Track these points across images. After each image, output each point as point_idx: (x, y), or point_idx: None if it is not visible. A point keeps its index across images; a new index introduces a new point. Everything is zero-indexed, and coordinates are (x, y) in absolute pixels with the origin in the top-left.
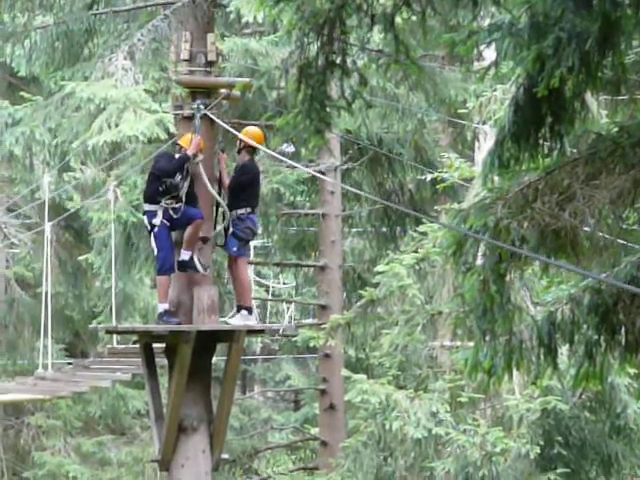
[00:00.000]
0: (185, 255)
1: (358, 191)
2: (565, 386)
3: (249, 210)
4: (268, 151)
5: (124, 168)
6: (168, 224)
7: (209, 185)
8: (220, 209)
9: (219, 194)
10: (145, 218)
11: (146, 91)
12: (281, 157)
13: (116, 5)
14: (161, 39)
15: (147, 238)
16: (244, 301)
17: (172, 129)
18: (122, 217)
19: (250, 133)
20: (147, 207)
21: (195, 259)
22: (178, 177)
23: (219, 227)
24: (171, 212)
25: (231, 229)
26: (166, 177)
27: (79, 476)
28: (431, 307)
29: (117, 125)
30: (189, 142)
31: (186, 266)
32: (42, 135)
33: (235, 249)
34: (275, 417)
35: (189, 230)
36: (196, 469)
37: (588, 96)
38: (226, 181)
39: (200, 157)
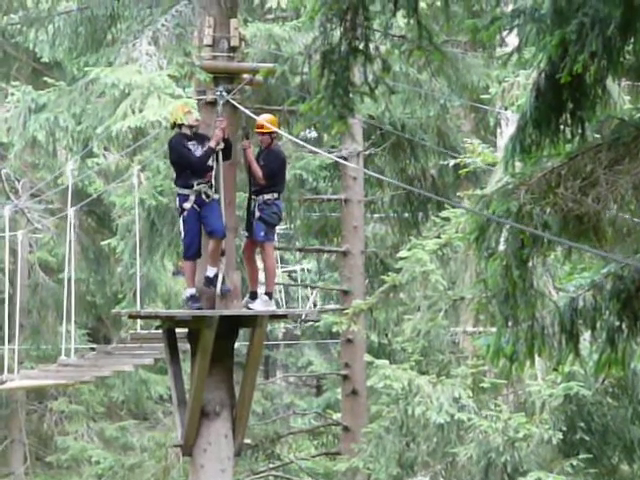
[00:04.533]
0: (210, 272)
1: (381, 176)
2: (587, 372)
3: (275, 196)
4: (290, 137)
5: (147, 153)
6: (198, 209)
7: (221, 176)
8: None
9: (249, 180)
10: (177, 200)
11: (170, 76)
12: (305, 144)
13: None
14: (185, 24)
15: (170, 224)
16: (267, 286)
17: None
18: (145, 202)
19: (269, 120)
20: (179, 190)
21: (219, 279)
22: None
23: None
24: (203, 196)
25: (258, 214)
26: (194, 169)
27: (102, 461)
28: (453, 292)
29: (141, 111)
30: (182, 111)
31: (210, 283)
32: (66, 121)
33: (262, 234)
34: (297, 402)
35: (210, 245)
36: (218, 454)
37: (609, 82)
38: (256, 168)
39: (221, 145)
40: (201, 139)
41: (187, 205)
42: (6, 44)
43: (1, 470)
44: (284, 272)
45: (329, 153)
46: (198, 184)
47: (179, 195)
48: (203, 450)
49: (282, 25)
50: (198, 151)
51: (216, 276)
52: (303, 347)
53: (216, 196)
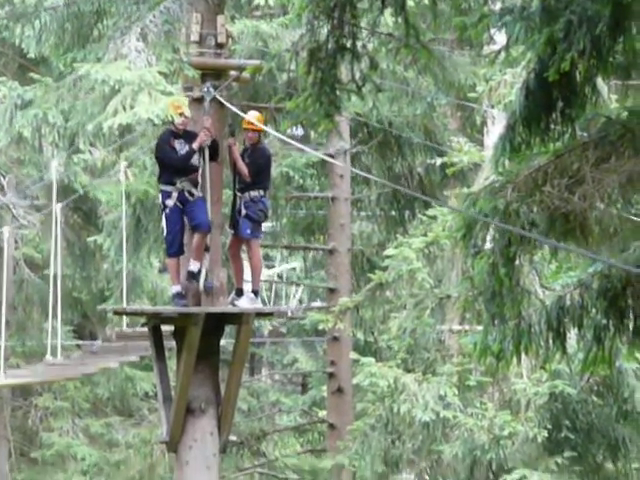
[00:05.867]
0: (194, 266)
1: (367, 175)
2: (573, 370)
3: (262, 193)
4: (279, 135)
5: (134, 150)
6: (181, 207)
7: (207, 175)
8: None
9: (233, 178)
10: (160, 196)
11: (159, 73)
12: (291, 141)
13: None
14: (173, 21)
15: (156, 220)
16: (253, 284)
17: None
18: (132, 198)
19: (256, 118)
20: (162, 187)
21: (202, 274)
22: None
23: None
24: (186, 194)
25: (244, 211)
26: (176, 168)
27: (87, 457)
28: (440, 291)
29: (132, 107)
30: (174, 108)
31: (193, 277)
32: (54, 117)
33: (248, 231)
34: (283, 400)
35: (195, 240)
36: (204, 451)
37: (599, 81)
38: (241, 165)
39: (208, 142)
40: (189, 137)
41: (170, 202)
42: None
43: None
44: (274, 273)
45: (316, 151)
46: (181, 182)
47: (162, 192)
48: (188, 447)
49: (269, 22)
50: (183, 150)
51: (199, 271)
52: (289, 345)
53: (200, 194)
